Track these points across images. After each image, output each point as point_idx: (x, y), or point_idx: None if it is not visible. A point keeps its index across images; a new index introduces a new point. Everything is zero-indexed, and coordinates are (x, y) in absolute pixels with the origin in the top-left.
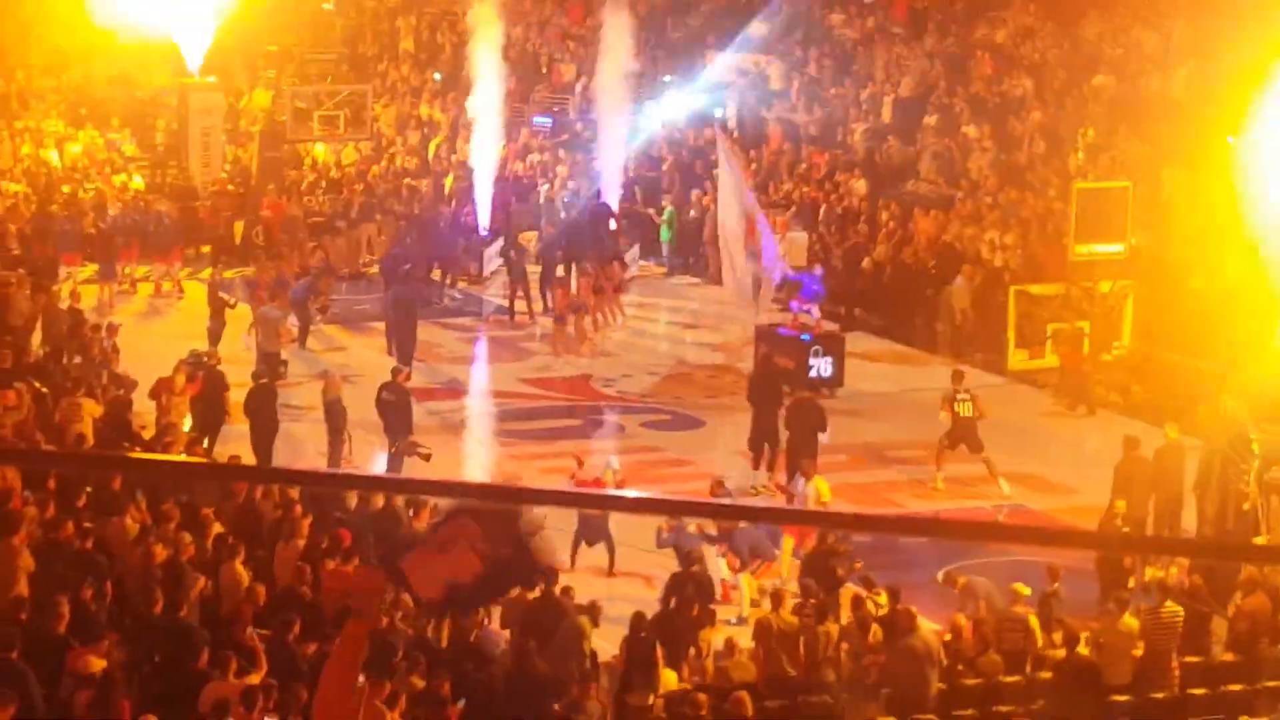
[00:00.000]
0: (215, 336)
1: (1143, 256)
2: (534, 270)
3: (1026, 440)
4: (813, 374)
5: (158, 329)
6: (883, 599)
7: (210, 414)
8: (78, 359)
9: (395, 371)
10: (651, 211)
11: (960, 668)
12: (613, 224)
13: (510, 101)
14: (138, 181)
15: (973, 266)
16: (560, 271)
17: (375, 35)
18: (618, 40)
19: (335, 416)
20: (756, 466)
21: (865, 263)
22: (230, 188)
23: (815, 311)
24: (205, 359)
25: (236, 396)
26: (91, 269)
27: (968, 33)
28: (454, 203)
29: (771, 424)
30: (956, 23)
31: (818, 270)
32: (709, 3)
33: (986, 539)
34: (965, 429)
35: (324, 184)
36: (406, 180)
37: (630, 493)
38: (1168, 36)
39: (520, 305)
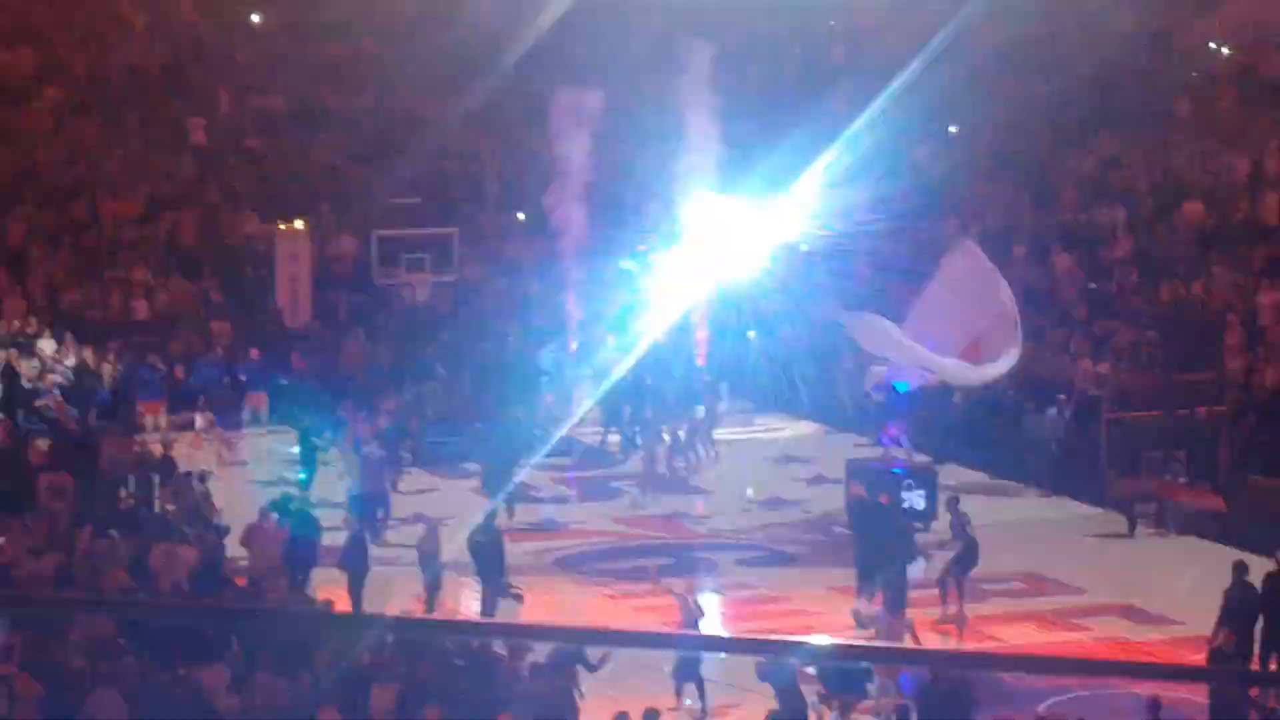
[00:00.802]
0: (306, 483)
1: (1238, 382)
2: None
3: (1125, 570)
4: (905, 507)
5: (248, 473)
6: None
7: (300, 558)
8: (170, 506)
9: (489, 513)
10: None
11: None
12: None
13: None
14: (226, 328)
15: (1065, 396)
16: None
17: (458, 177)
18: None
19: (431, 565)
20: (861, 597)
21: (957, 396)
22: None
23: (905, 442)
24: (293, 503)
25: (327, 540)
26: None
27: (1054, 164)
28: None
29: (876, 556)
30: (1044, 155)
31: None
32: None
33: (1087, 674)
34: None
35: (414, 327)
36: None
37: (723, 632)
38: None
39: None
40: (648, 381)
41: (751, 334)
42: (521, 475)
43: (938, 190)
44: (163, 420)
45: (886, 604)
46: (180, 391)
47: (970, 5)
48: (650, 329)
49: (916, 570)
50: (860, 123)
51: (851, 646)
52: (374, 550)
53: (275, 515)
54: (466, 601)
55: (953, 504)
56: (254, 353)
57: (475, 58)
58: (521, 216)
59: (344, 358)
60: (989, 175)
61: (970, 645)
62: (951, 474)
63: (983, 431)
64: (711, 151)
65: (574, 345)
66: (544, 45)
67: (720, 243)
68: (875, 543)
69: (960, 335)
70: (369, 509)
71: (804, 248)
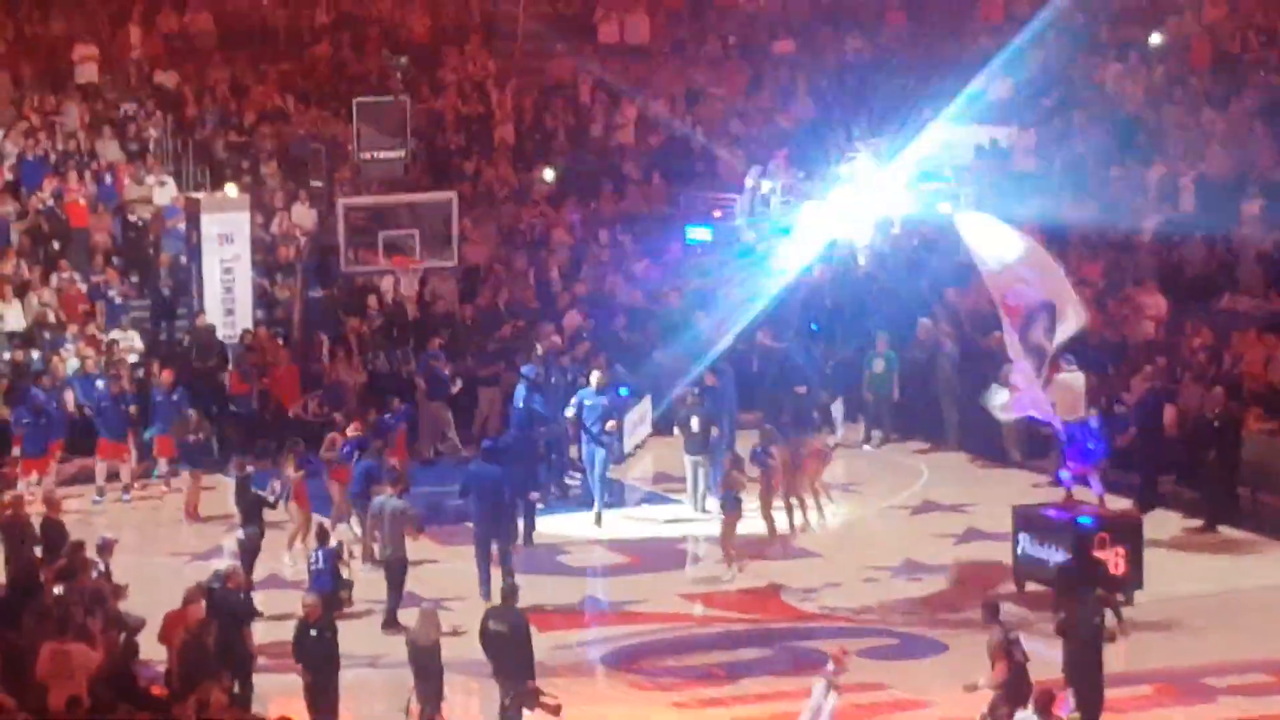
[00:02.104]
0: (249, 550)
1: None
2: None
3: None
4: (1099, 573)
5: (165, 542)
6: None
7: (238, 657)
8: (59, 589)
9: (508, 592)
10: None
11: None
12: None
13: (654, 205)
14: (133, 340)
15: None
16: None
17: (460, 121)
18: (800, 114)
19: (428, 664)
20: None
21: (1167, 413)
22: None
23: (1096, 484)
24: (229, 584)
25: (275, 632)
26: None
27: None
28: (577, 350)
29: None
30: None
31: (1093, 419)
32: (923, 56)
33: None
34: None
35: (396, 332)
36: (513, 322)
37: None
38: None
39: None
40: (728, 402)
41: (882, 338)
42: (551, 531)
43: (1133, 125)
44: (49, 470)
45: (1081, 708)
46: (69, 431)
47: None
48: (728, 327)
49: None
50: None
51: None
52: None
53: (207, 598)
54: (478, 716)
55: None
56: (166, 375)
57: None
58: (550, 174)
59: (296, 377)
60: (1208, 101)
61: None
62: (1160, 523)
63: (1203, 464)
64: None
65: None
66: None
67: (829, 206)
68: (1065, 625)
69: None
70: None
71: (945, 209)
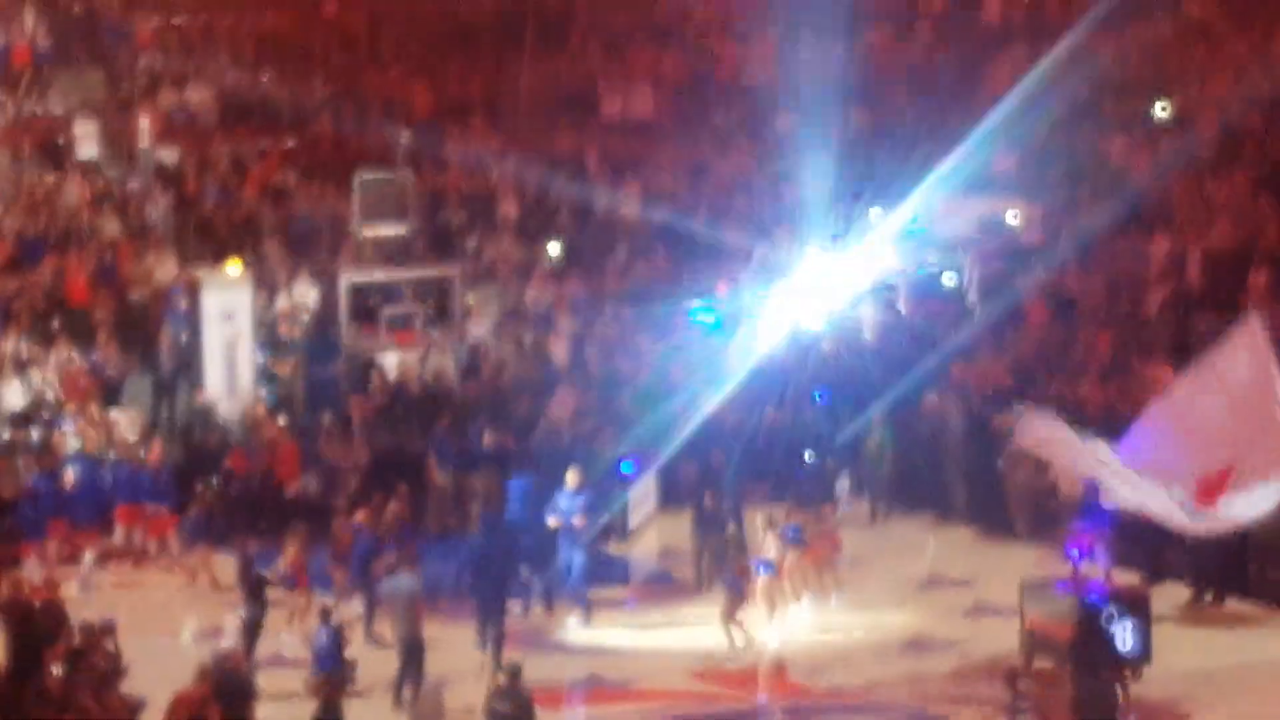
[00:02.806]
0: (251, 629)
1: None
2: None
3: None
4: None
5: (165, 621)
6: None
7: None
8: (57, 669)
9: (513, 671)
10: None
11: None
12: (809, 453)
13: (658, 281)
14: (134, 418)
15: None
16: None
17: (463, 196)
18: (804, 188)
19: None
20: None
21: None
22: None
23: (1104, 557)
24: (233, 664)
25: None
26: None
27: None
28: (582, 426)
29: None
30: None
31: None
32: (927, 129)
33: None
34: None
35: (401, 408)
36: (514, 395)
37: None
38: None
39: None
40: (730, 475)
41: (880, 413)
42: (559, 614)
43: (1141, 197)
44: (50, 551)
45: None
46: (70, 510)
47: None
48: (734, 402)
49: None
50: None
51: None
52: None
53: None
54: None
55: None
56: (153, 452)
57: (479, 26)
58: (554, 249)
59: (301, 456)
60: (1212, 172)
61: None
62: (1168, 596)
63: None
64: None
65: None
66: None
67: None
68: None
69: (1206, 458)
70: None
71: (949, 282)
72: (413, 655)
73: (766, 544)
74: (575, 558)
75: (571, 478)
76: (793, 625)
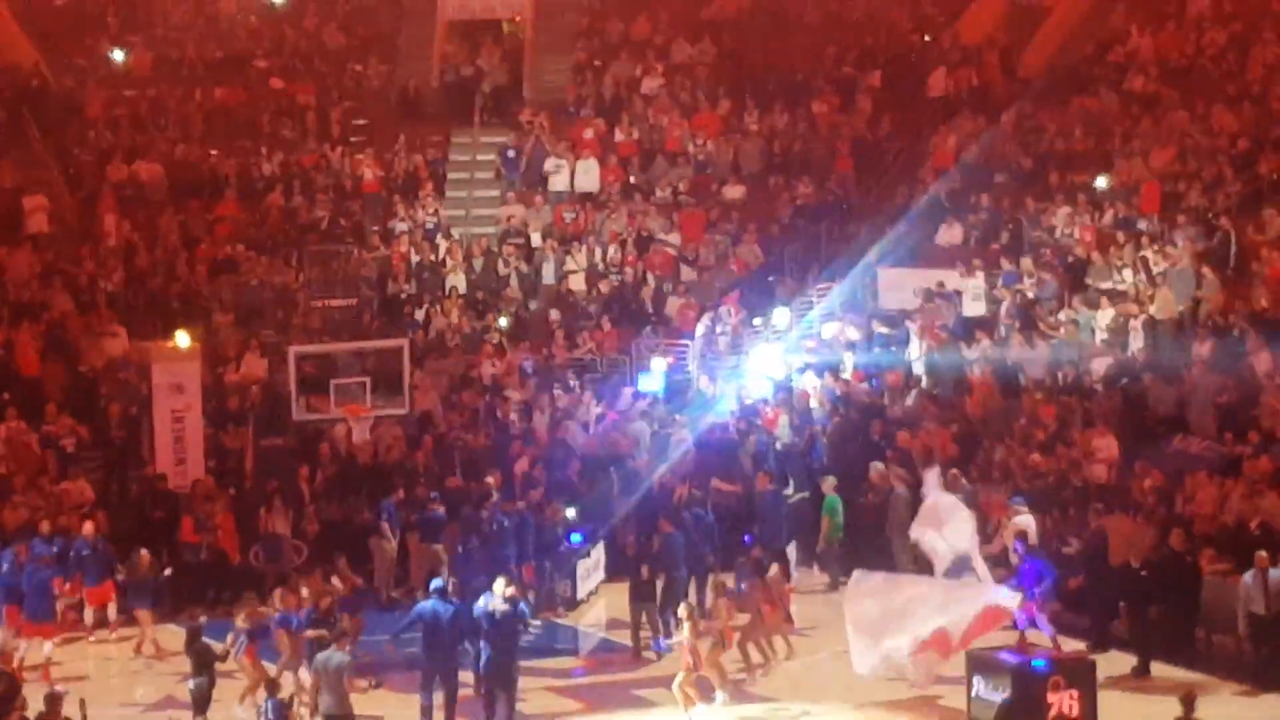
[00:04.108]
0: (200, 702)
1: None
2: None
3: None
4: (1051, 716)
5: (116, 693)
6: None
7: None
8: None
9: None
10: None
11: None
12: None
13: (605, 351)
14: (83, 490)
15: (1267, 554)
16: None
17: (410, 268)
18: (750, 260)
19: None
20: None
21: (1118, 552)
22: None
23: (1045, 625)
24: None
25: None
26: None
27: (1250, 220)
28: (530, 496)
29: None
30: (1234, 211)
31: (1036, 559)
32: (873, 201)
33: None
34: None
35: (350, 479)
36: (461, 468)
37: None
38: None
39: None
40: (680, 541)
41: (828, 482)
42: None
43: (1081, 266)
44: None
45: None
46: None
47: None
48: (679, 469)
49: None
50: None
51: None
52: None
53: None
54: None
55: None
56: (88, 526)
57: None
58: (502, 321)
59: (250, 527)
60: (1155, 242)
61: None
62: (1114, 664)
63: (1155, 605)
64: None
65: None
66: None
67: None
68: None
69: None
70: None
71: (895, 352)
72: None
73: (716, 610)
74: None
75: (500, 587)
76: (741, 694)
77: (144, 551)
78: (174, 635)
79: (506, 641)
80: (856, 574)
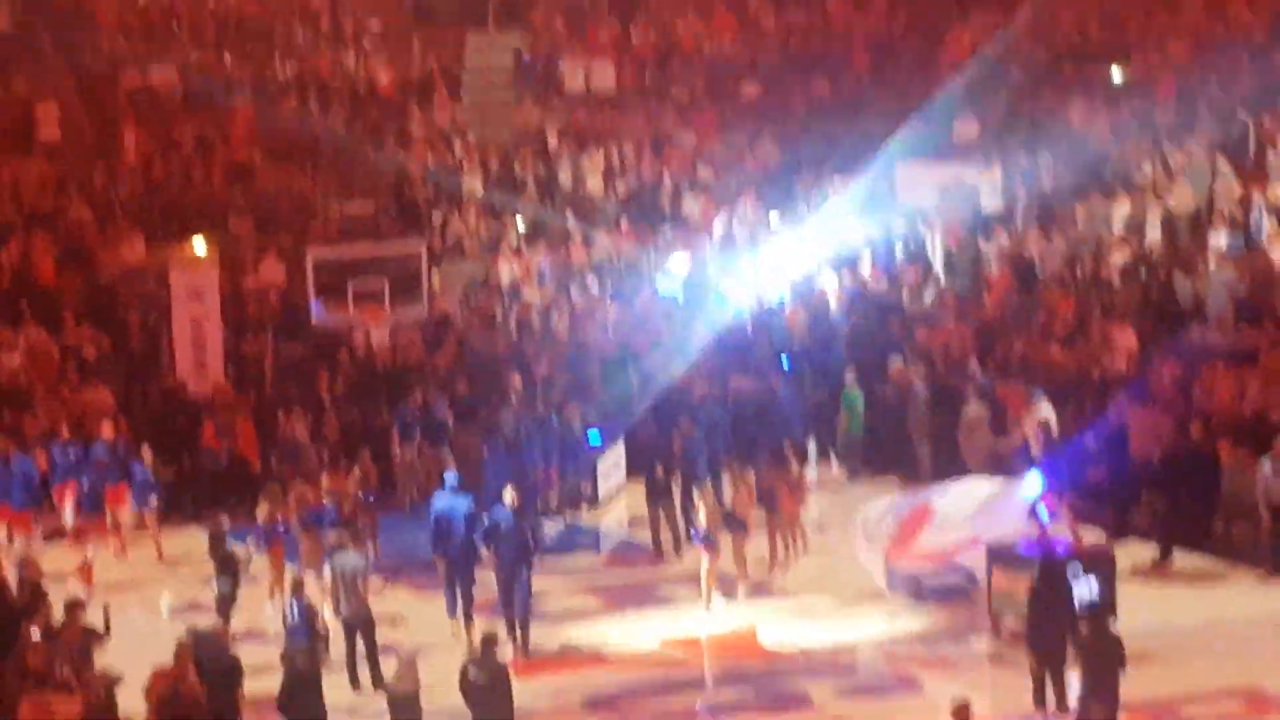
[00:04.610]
0: (225, 605)
1: None
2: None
3: None
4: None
5: (140, 597)
6: None
7: (220, 714)
8: (37, 636)
9: (487, 640)
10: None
11: None
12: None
13: (622, 255)
14: (105, 396)
15: None
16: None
17: (426, 173)
18: (767, 158)
19: (408, 714)
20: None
21: (1138, 444)
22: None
23: (1065, 516)
24: (211, 639)
25: (255, 687)
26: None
27: (1267, 112)
28: (551, 397)
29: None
30: (1249, 103)
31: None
32: (889, 97)
33: None
34: None
35: (369, 383)
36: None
37: None
38: None
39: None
40: (700, 439)
41: (850, 377)
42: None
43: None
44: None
45: None
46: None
47: None
48: (698, 368)
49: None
50: None
51: None
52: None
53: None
54: None
55: None
56: (105, 427)
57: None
58: (520, 223)
59: (269, 432)
60: (1171, 135)
61: None
62: (1132, 555)
63: (1175, 495)
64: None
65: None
66: None
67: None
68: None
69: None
70: (367, 632)
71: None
72: (362, 632)
73: (737, 504)
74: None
75: (509, 496)
76: (762, 589)
77: (146, 448)
78: (197, 541)
79: (514, 553)
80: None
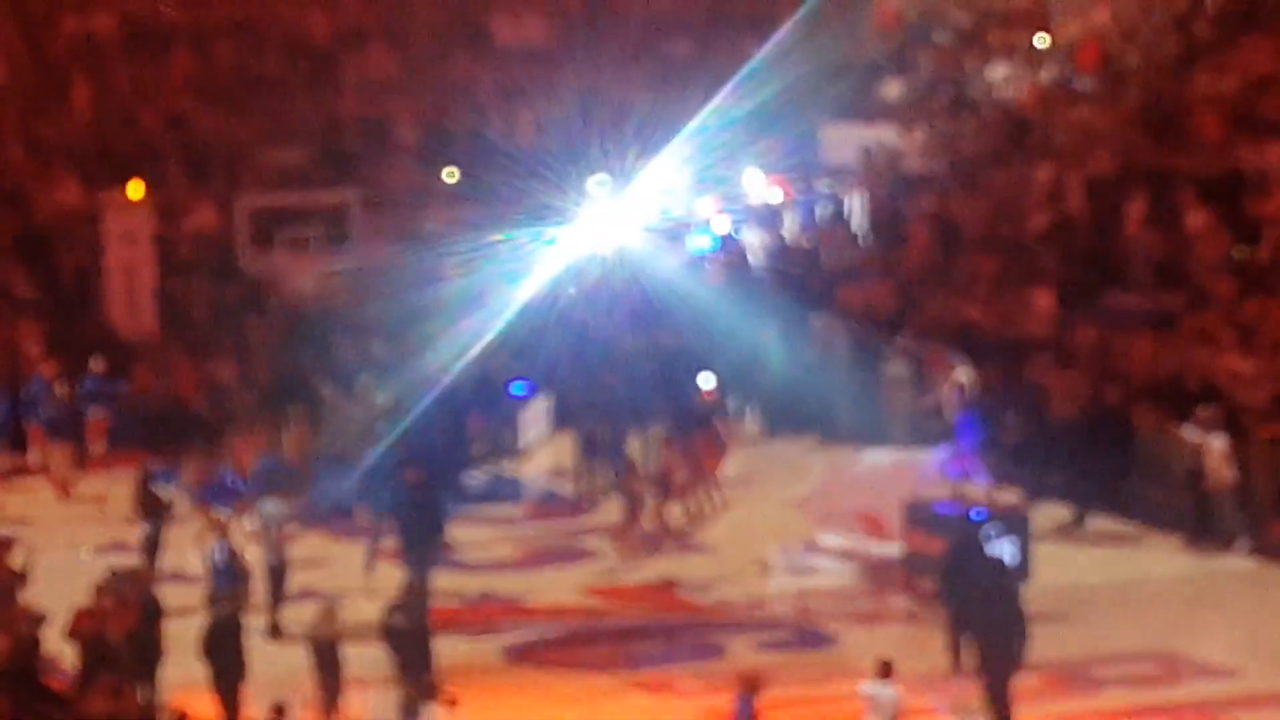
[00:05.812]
0: (150, 548)
1: None
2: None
3: None
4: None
5: (64, 538)
6: None
7: (144, 653)
8: None
9: (409, 586)
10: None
11: None
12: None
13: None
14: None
15: (1206, 407)
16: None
17: (359, 123)
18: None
19: (328, 659)
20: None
21: (1056, 406)
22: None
23: (982, 476)
24: (135, 579)
25: (178, 628)
26: None
27: (1184, 84)
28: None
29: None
30: (1168, 71)
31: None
32: (813, 58)
33: None
34: None
35: (298, 330)
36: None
37: None
38: None
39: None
40: (620, 395)
41: (770, 334)
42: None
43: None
44: None
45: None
46: None
47: None
48: (625, 326)
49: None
50: None
51: None
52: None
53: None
54: (376, 710)
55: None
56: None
57: None
58: (451, 174)
59: (201, 376)
60: (1093, 101)
61: None
62: (1048, 516)
63: (1091, 457)
64: None
65: None
66: None
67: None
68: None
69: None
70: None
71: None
72: (275, 579)
73: (664, 461)
74: None
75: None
76: (681, 543)
77: (54, 379)
78: (123, 482)
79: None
80: None
